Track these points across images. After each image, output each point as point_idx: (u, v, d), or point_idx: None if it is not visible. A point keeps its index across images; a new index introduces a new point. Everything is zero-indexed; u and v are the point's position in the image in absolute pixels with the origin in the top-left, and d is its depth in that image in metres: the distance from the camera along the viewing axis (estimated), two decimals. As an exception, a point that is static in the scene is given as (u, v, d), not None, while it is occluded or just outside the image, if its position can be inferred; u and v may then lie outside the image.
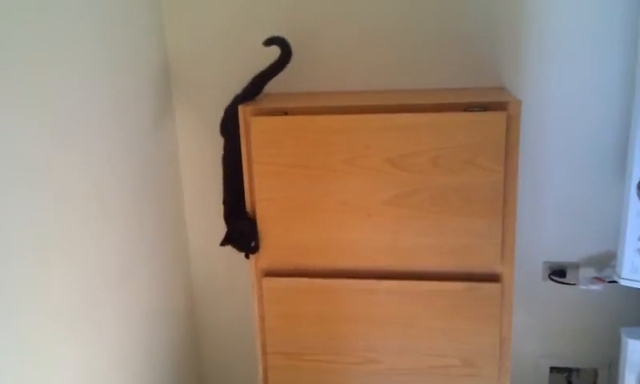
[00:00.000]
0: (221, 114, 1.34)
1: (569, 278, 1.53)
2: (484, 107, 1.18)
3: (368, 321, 1.33)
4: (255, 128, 1.25)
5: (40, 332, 1.04)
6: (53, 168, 1.07)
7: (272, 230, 1.30)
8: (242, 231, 1.31)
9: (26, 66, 1.00)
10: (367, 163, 1.23)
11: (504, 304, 1.27)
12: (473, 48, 1.43)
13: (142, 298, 1.43)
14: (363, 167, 1.23)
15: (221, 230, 1.34)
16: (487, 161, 1.19)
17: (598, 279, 1.49)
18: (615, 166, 1.44)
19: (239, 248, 1.33)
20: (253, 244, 1.30)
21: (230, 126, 1.30)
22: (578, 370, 1.64)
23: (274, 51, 1.33)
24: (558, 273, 1.54)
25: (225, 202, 1.36)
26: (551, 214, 1.51)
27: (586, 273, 1.51)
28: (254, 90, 1.35)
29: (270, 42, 1.33)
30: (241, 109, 1.26)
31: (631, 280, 1.34)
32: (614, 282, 1.39)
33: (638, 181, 1.28)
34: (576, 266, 1.53)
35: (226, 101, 1.33)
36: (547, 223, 1.52)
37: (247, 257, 1.35)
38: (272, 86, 1.37)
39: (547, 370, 1.65)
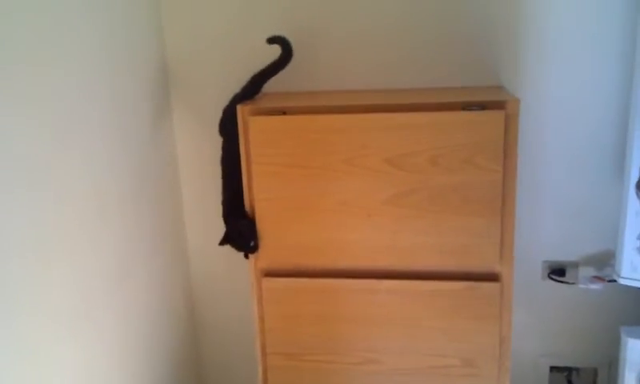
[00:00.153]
0: (219, 114, 1.34)
1: (568, 277, 1.53)
2: (482, 106, 1.18)
3: (368, 321, 1.33)
4: (254, 128, 1.25)
5: (40, 332, 1.04)
6: (52, 168, 1.07)
7: (271, 230, 1.30)
8: (240, 231, 1.31)
9: (24, 66, 1.00)
10: (366, 163, 1.23)
11: (503, 303, 1.27)
12: (471, 47, 1.43)
13: (142, 299, 1.43)
14: (362, 167, 1.23)
15: (220, 229, 1.34)
16: (486, 160, 1.19)
17: (598, 278, 1.49)
18: (614, 165, 1.44)
19: (238, 248, 1.33)
20: (252, 243, 1.30)
21: (228, 126, 1.31)
22: (577, 370, 1.64)
23: (273, 51, 1.34)
24: (557, 272, 1.54)
25: (224, 202, 1.36)
26: (550, 213, 1.51)
27: (586, 272, 1.51)
28: (252, 89, 1.35)
29: (271, 40, 1.33)
30: (239, 108, 1.26)
31: (630, 279, 1.34)
32: (614, 280, 1.39)
33: (636, 180, 1.28)
34: (575, 265, 1.53)
35: (225, 101, 1.33)
36: (546, 222, 1.52)
37: (246, 256, 1.35)
38: (270, 86, 1.37)
39: (547, 370, 1.65)
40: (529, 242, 1.51)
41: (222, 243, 1.34)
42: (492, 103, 1.18)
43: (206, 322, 1.75)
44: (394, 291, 1.30)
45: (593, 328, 1.58)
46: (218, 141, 1.35)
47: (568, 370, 1.65)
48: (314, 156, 1.24)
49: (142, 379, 1.43)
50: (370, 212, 1.26)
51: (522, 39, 1.41)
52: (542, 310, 1.59)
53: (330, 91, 1.49)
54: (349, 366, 1.36)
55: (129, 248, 1.36)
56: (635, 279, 1.34)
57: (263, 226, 1.30)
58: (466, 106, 1.19)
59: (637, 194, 1.28)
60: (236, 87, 1.34)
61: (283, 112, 1.25)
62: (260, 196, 1.28)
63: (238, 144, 1.28)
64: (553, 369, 1.65)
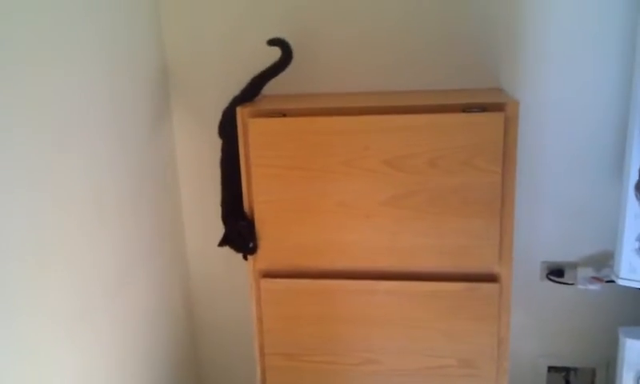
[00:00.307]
0: (219, 115, 1.34)
1: (567, 278, 1.54)
2: (482, 108, 1.18)
3: (367, 321, 1.33)
4: (253, 130, 1.25)
5: (39, 333, 1.04)
6: (51, 169, 1.07)
7: (270, 232, 1.30)
8: (240, 232, 1.31)
9: (24, 67, 1.00)
10: (366, 164, 1.23)
11: (502, 304, 1.27)
12: (471, 49, 1.43)
13: (140, 300, 1.43)
14: (362, 168, 1.23)
15: (219, 231, 1.34)
16: (485, 162, 1.19)
17: (596, 279, 1.50)
18: (613, 167, 1.45)
19: (237, 249, 1.33)
20: (251, 245, 1.30)
21: (227, 128, 1.31)
22: (575, 370, 1.65)
23: (273, 53, 1.33)
24: (555, 273, 1.54)
25: (223, 204, 1.36)
26: (549, 214, 1.51)
27: (584, 273, 1.51)
28: (252, 91, 1.35)
29: (271, 43, 1.33)
30: (239, 110, 1.26)
31: (629, 280, 1.34)
32: (612, 281, 1.39)
33: (635, 181, 1.28)
34: (574, 266, 1.53)
35: (224, 103, 1.33)
36: (545, 223, 1.52)
37: (245, 258, 1.35)
38: (270, 88, 1.37)
39: (545, 370, 1.65)
40: (528, 242, 1.52)
41: (221, 244, 1.34)
42: (491, 105, 1.19)
43: (204, 322, 1.75)
44: (392, 292, 1.30)
45: (591, 328, 1.59)
46: (217, 142, 1.35)
47: (566, 370, 1.65)
48: (314, 158, 1.24)
49: (140, 380, 1.43)
50: (369, 213, 1.26)
51: (522, 41, 1.42)
52: (540, 310, 1.59)
53: (329, 93, 1.49)
54: (348, 366, 1.36)
55: (128, 249, 1.36)
56: (634, 280, 1.34)
57: (262, 227, 1.30)
58: (466, 108, 1.19)
59: (636, 196, 1.28)
60: (235, 89, 1.34)
61: (283, 114, 1.25)
62: (259, 198, 1.28)
63: (237, 146, 1.27)
64: (551, 369, 1.65)
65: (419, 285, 1.29)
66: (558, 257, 1.54)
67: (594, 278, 1.50)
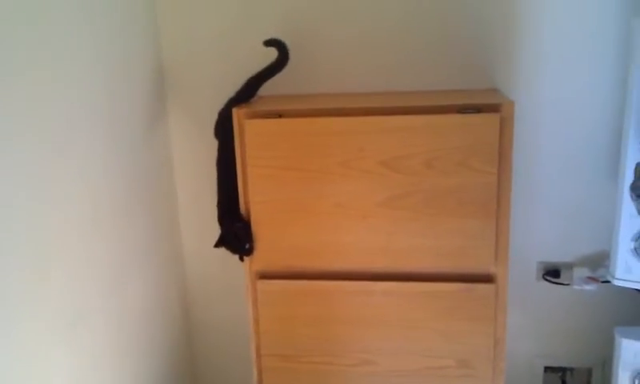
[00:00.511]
0: (215, 116, 1.34)
1: (563, 278, 1.54)
2: (477, 109, 1.18)
3: (363, 322, 1.33)
4: (249, 131, 1.25)
5: (35, 335, 1.04)
6: (46, 171, 1.07)
7: (266, 233, 1.30)
8: (236, 233, 1.30)
9: (20, 70, 0.99)
10: (362, 165, 1.23)
11: (498, 304, 1.27)
12: (467, 50, 1.44)
13: (137, 301, 1.43)
14: (358, 169, 1.23)
15: (215, 232, 1.34)
16: (481, 162, 1.19)
17: (592, 279, 1.50)
18: (608, 167, 1.45)
19: (233, 250, 1.33)
20: (247, 246, 1.30)
21: (223, 129, 1.30)
22: (572, 370, 1.65)
23: (270, 54, 1.33)
24: (551, 273, 1.55)
25: (219, 204, 1.36)
26: (545, 214, 1.52)
27: (580, 273, 1.52)
28: (248, 92, 1.35)
29: (268, 43, 1.33)
30: (235, 111, 1.26)
31: (625, 280, 1.35)
32: (608, 281, 1.39)
33: (630, 182, 1.28)
34: (570, 266, 1.54)
35: (221, 104, 1.33)
36: (541, 224, 1.52)
37: (241, 259, 1.35)
38: (266, 89, 1.37)
39: (541, 370, 1.66)
40: (523, 243, 1.52)
41: (217, 245, 1.33)
42: (487, 106, 1.19)
43: (201, 323, 1.75)
44: (389, 293, 1.30)
45: (587, 328, 1.59)
46: (213, 143, 1.34)
47: (562, 370, 1.66)
48: (310, 159, 1.24)
49: (136, 381, 1.43)
50: (365, 214, 1.26)
51: (517, 42, 1.42)
52: (536, 310, 1.59)
53: (325, 94, 1.49)
54: (344, 367, 1.36)
55: (124, 250, 1.36)
56: (629, 280, 1.34)
57: (259, 228, 1.30)
58: (462, 109, 1.19)
59: (631, 196, 1.28)
60: (232, 90, 1.34)
61: (279, 115, 1.25)
62: (256, 198, 1.28)
63: (232, 147, 1.27)
64: (547, 369, 1.66)
65: (415, 285, 1.29)
66: (554, 257, 1.54)
67: (589, 278, 1.50)
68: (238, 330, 1.65)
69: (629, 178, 1.29)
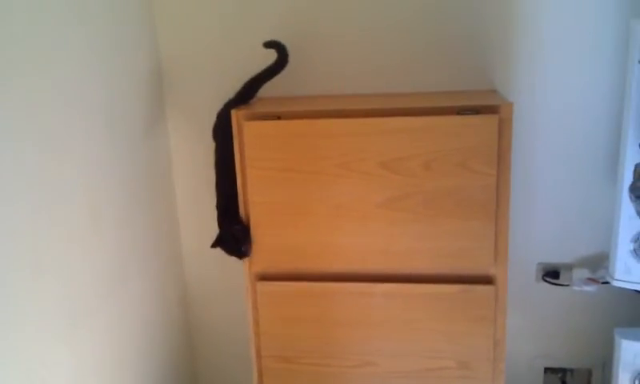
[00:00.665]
0: (214, 117, 1.34)
1: (562, 279, 1.54)
2: (476, 110, 1.19)
3: (363, 324, 1.33)
4: (248, 132, 1.25)
5: (35, 337, 1.04)
6: (46, 173, 1.07)
7: (266, 234, 1.30)
8: (234, 235, 1.30)
9: (19, 71, 1.00)
10: (361, 167, 1.23)
11: (498, 306, 1.27)
12: (465, 51, 1.44)
13: (136, 302, 1.43)
14: (357, 171, 1.24)
15: (214, 233, 1.34)
16: (479, 164, 1.19)
17: (592, 280, 1.50)
18: (608, 168, 1.45)
19: (229, 251, 1.33)
20: (242, 248, 1.30)
21: (222, 131, 1.30)
22: (572, 371, 1.65)
23: (269, 55, 1.33)
24: (551, 274, 1.55)
25: (218, 206, 1.36)
26: (544, 215, 1.52)
27: (580, 274, 1.52)
28: (247, 94, 1.35)
29: (268, 45, 1.33)
30: (234, 113, 1.26)
31: (624, 281, 1.35)
32: (607, 282, 1.39)
33: (630, 183, 1.28)
34: (569, 268, 1.54)
35: (219, 105, 1.33)
36: (540, 225, 1.52)
37: (241, 257, 1.34)
38: (265, 90, 1.37)
39: (541, 371, 1.66)
40: (523, 244, 1.52)
41: (213, 246, 1.33)
42: (486, 107, 1.19)
43: (200, 324, 1.75)
44: (388, 294, 1.30)
45: (587, 329, 1.59)
46: (212, 145, 1.34)
47: (562, 371, 1.66)
48: (309, 160, 1.24)
49: (136, 382, 1.43)
50: (364, 216, 1.26)
51: (516, 43, 1.42)
52: (536, 311, 1.59)
53: (323, 96, 1.49)
54: (344, 368, 1.36)
55: (123, 251, 1.36)
56: (629, 281, 1.34)
57: (258, 229, 1.30)
58: (461, 111, 1.19)
59: (630, 197, 1.28)
60: (231, 91, 1.34)
61: (278, 117, 1.25)
62: (255, 200, 1.28)
63: (230, 148, 1.27)
64: (547, 370, 1.66)
65: (415, 287, 1.29)
66: (554, 258, 1.54)
67: (589, 279, 1.50)
68: (238, 331, 1.65)
69: (628, 179, 1.29)
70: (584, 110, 1.43)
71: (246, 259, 1.33)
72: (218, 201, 1.35)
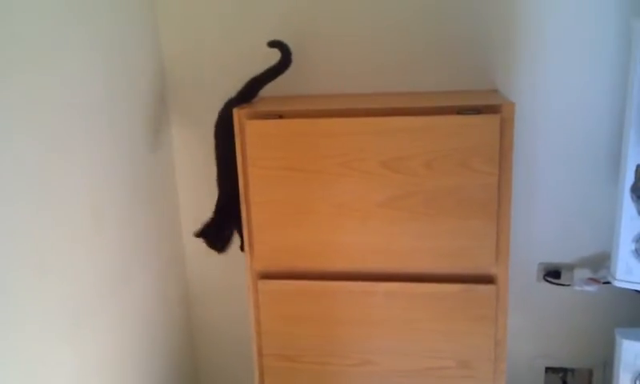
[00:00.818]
0: (216, 117, 1.34)
1: (563, 279, 1.54)
2: (478, 110, 1.19)
3: (364, 323, 1.33)
4: (250, 131, 1.26)
5: (38, 336, 1.04)
6: (48, 174, 1.07)
7: (267, 233, 1.30)
8: (221, 226, 1.32)
9: (20, 72, 1.00)
10: (362, 166, 1.23)
11: (499, 305, 1.27)
12: (467, 51, 1.44)
13: (138, 302, 1.43)
14: (358, 170, 1.24)
15: (216, 233, 1.34)
16: (481, 163, 1.19)
17: (593, 280, 1.50)
18: (609, 168, 1.45)
19: (209, 244, 1.35)
20: (220, 245, 1.33)
21: (223, 130, 1.31)
22: (573, 371, 1.65)
23: (271, 55, 1.34)
24: (552, 274, 1.55)
25: (217, 202, 1.36)
26: (546, 215, 1.52)
27: (581, 274, 1.52)
28: (249, 93, 1.35)
29: (271, 45, 1.33)
30: (236, 112, 1.27)
31: (625, 281, 1.35)
32: (609, 282, 1.39)
33: (631, 183, 1.28)
34: (571, 267, 1.53)
35: (221, 104, 1.33)
36: (542, 225, 1.52)
37: (241, 250, 1.35)
38: (267, 90, 1.37)
39: (542, 371, 1.66)
40: (524, 244, 1.52)
41: (197, 235, 1.34)
42: (487, 107, 1.19)
43: (202, 323, 1.75)
44: (390, 293, 1.30)
45: (588, 329, 1.59)
46: (213, 143, 1.35)
47: (563, 370, 1.66)
48: (311, 159, 1.25)
49: (139, 381, 1.43)
50: (365, 215, 1.26)
51: (517, 43, 1.42)
52: (537, 311, 1.59)
53: (325, 95, 1.50)
54: (345, 367, 1.36)
55: (125, 251, 1.36)
56: (630, 281, 1.34)
57: (259, 228, 1.30)
58: (462, 110, 1.19)
59: (632, 197, 1.28)
60: (233, 91, 1.33)
61: (280, 116, 1.25)
62: (256, 199, 1.29)
63: (231, 147, 1.27)
64: (548, 370, 1.66)
65: (416, 286, 1.29)
66: (555, 258, 1.54)
67: (590, 279, 1.50)
68: (240, 330, 1.65)
69: (629, 179, 1.29)
70: (585, 109, 1.43)
71: (248, 258, 1.33)
72: (218, 197, 1.36)
